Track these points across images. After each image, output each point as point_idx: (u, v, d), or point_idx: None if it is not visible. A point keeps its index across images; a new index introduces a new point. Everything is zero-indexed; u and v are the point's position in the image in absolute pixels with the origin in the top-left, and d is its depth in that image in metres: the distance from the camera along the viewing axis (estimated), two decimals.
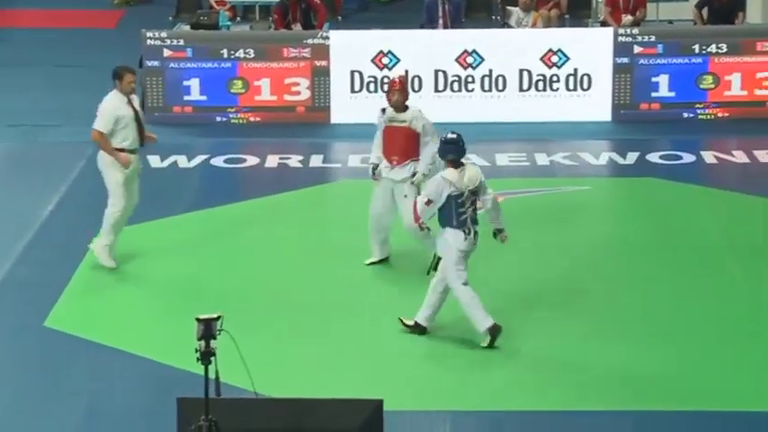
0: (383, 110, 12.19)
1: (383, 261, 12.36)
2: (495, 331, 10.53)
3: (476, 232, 10.60)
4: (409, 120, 12.01)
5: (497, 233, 10.75)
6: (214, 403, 7.68)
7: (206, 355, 7.65)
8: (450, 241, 10.54)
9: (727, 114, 17.15)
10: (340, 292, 11.88)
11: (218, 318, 7.67)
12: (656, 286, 11.90)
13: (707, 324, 11.13)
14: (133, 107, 12.16)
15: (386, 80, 17.20)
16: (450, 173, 10.55)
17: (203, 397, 7.64)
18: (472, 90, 17.14)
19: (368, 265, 12.25)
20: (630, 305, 11.51)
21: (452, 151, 10.62)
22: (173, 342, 10.51)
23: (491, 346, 10.53)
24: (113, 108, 12.04)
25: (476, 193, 10.59)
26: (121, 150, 12.07)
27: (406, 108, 12.09)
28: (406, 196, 12.01)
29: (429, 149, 11.87)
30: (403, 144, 12.05)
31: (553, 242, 12.34)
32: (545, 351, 10.66)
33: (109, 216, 12.17)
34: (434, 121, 16.29)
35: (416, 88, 17.16)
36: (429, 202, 10.56)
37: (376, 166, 12.25)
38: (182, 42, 17.28)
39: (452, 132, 10.70)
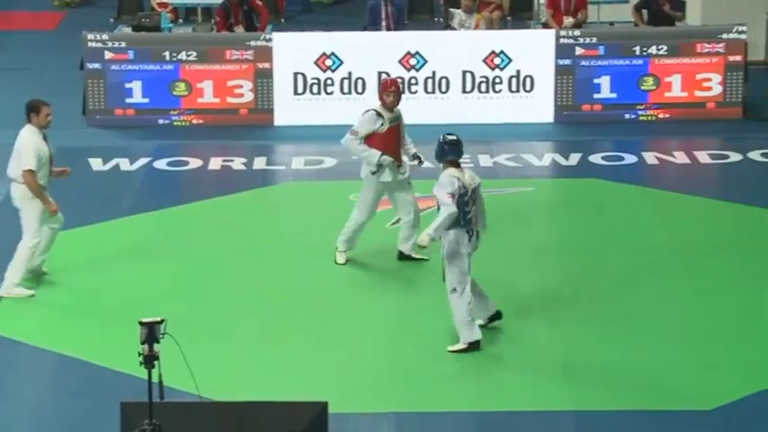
0: (378, 113, 12.16)
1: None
2: (475, 346, 10.57)
3: (477, 232, 10.64)
4: (400, 117, 12.27)
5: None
6: (158, 407, 7.65)
7: (149, 359, 7.64)
8: (456, 244, 10.50)
9: (667, 115, 17.27)
10: (286, 295, 11.86)
11: (162, 321, 7.66)
12: (601, 286, 11.97)
13: (650, 322, 11.21)
14: (48, 143, 11.71)
15: (329, 82, 17.33)
16: (455, 171, 10.62)
17: (147, 401, 7.62)
18: (416, 92, 17.17)
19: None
20: (575, 305, 11.56)
21: (453, 152, 10.70)
22: (115, 346, 10.47)
23: (464, 350, 10.58)
24: (36, 144, 11.54)
25: (476, 192, 10.65)
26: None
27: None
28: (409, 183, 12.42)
29: (411, 147, 12.34)
30: (398, 143, 12.31)
31: (497, 244, 12.37)
32: (492, 352, 10.69)
33: (23, 251, 11.71)
34: None
35: (360, 90, 17.20)
36: (452, 196, 10.44)
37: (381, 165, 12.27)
38: (123, 44, 17.17)
39: (450, 134, 10.80)
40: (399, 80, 17.13)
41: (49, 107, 11.71)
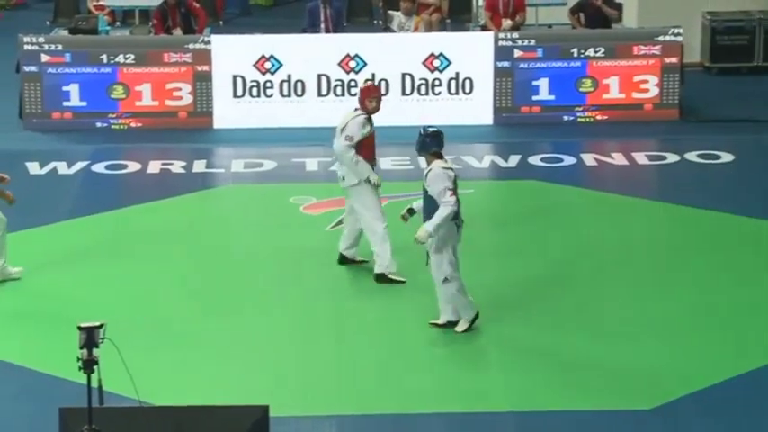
0: (368, 118, 11.93)
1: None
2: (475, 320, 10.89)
3: (463, 222, 10.80)
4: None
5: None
6: (97, 412, 7.64)
7: (88, 364, 7.62)
8: (447, 236, 10.64)
9: (605, 117, 17.44)
10: (227, 298, 11.85)
11: (101, 326, 7.64)
12: (541, 287, 12.05)
13: (588, 322, 11.30)
14: None
15: (269, 84, 17.33)
16: (444, 163, 10.72)
17: (86, 406, 7.59)
18: (355, 94, 17.08)
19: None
20: (515, 306, 11.63)
21: (437, 144, 10.79)
22: (55, 351, 10.41)
23: (468, 329, 10.87)
24: None
25: (456, 183, 10.79)
26: None
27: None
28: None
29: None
30: (374, 148, 12.14)
31: None
32: (436, 353, 10.76)
33: None
34: (318, 126, 16.56)
35: (299, 93, 17.23)
36: (452, 191, 10.58)
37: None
38: (60, 47, 17.09)
39: (430, 126, 10.93)
40: (338, 83, 17.32)
41: None
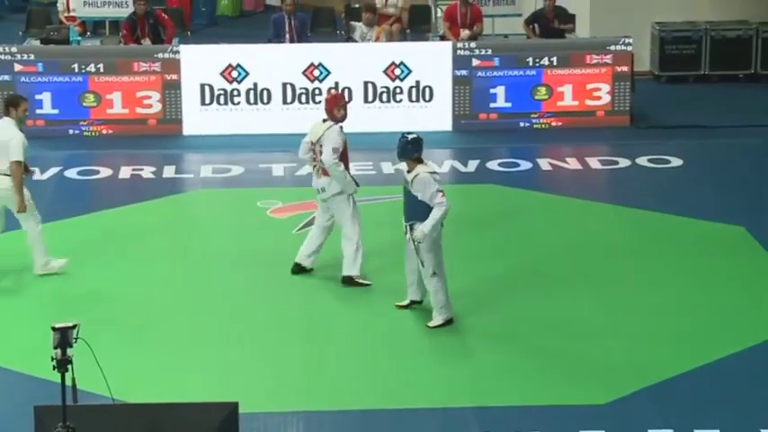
0: (342, 128, 11.86)
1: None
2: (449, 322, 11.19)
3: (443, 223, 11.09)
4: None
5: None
6: (71, 410, 7.54)
7: (62, 364, 7.54)
8: (437, 234, 10.99)
9: (560, 123, 17.64)
10: (197, 299, 11.91)
11: (75, 326, 7.61)
12: (500, 288, 12.14)
13: (545, 320, 11.42)
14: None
15: (236, 93, 17.66)
16: (427, 167, 11.03)
17: (60, 404, 7.51)
18: (319, 102, 17.19)
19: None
20: (476, 306, 11.70)
21: (418, 149, 11.05)
22: (30, 351, 10.46)
23: (441, 326, 11.11)
24: (21, 136, 11.93)
25: None
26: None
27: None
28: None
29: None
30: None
31: (400, 249, 12.55)
32: (402, 352, 10.87)
33: (37, 235, 12.22)
34: (283, 133, 16.71)
35: (265, 101, 17.47)
36: (443, 193, 10.90)
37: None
38: (32, 57, 17.31)
39: (409, 132, 11.16)
40: (302, 91, 17.67)
41: (27, 101, 12.33)
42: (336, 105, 11.93)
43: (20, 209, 12.08)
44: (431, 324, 11.21)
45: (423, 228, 10.95)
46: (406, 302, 11.55)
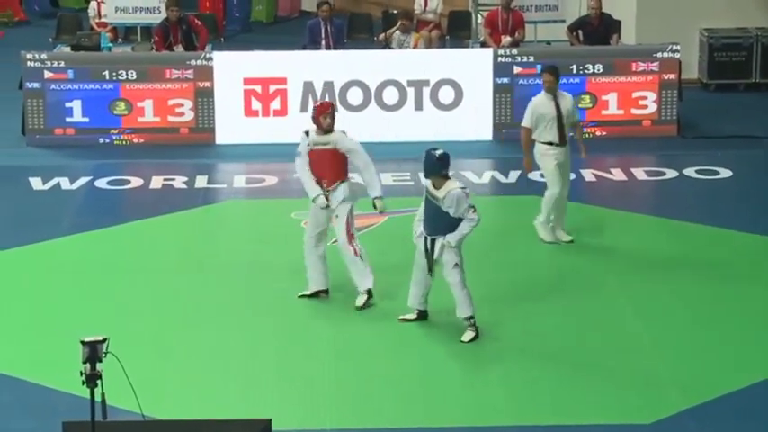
0: (306, 133, 11.96)
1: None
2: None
3: None
4: (333, 142, 11.86)
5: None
6: (100, 426, 7.63)
7: (91, 378, 7.61)
8: (461, 250, 11.15)
9: (604, 133, 17.51)
10: (229, 313, 11.88)
11: (104, 340, 7.65)
12: (550, 300, 12.07)
13: (588, 337, 11.31)
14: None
15: (270, 101, 17.36)
16: (455, 183, 11.11)
17: (89, 420, 7.58)
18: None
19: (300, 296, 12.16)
20: (523, 320, 11.65)
21: (446, 166, 11.07)
22: (58, 365, 10.44)
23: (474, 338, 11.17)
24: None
25: None
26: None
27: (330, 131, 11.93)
28: (337, 216, 11.90)
29: (371, 172, 11.89)
30: (331, 166, 11.88)
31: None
32: (434, 371, 10.79)
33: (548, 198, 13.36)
34: None
35: (300, 109, 17.19)
36: (475, 209, 11.08)
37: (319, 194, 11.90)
38: (62, 64, 17.18)
39: (435, 148, 11.14)
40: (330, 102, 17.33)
41: None
42: (323, 113, 11.95)
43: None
44: (464, 339, 11.23)
45: (449, 239, 11.10)
46: (413, 315, 11.58)
